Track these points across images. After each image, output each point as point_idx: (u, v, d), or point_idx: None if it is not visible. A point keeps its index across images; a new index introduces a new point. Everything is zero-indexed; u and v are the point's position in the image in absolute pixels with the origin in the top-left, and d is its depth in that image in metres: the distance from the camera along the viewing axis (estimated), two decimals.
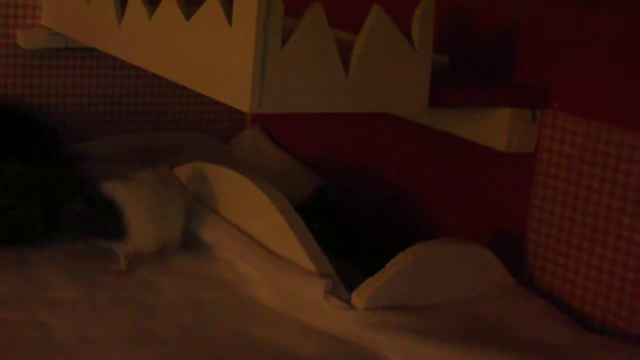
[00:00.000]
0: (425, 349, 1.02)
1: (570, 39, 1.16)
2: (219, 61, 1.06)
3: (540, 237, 1.20)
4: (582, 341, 1.07)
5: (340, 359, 1.03)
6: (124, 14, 1.28)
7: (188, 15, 1.12)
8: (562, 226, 1.17)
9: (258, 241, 1.23)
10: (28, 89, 1.63)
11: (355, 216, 1.48)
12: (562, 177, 1.17)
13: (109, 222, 1.19)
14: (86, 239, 1.24)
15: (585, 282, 1.14)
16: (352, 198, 1.51)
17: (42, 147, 1.49)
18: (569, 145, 1.16)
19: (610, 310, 1.12)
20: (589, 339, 1.08)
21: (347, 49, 1.06)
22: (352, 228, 1.45)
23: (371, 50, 1.06)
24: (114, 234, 1.20)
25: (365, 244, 1.40)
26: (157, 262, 1.22)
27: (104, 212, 1.19)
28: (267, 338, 1.06)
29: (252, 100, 1.01)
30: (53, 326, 1.04)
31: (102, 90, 1.69)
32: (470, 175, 1.31)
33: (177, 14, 1.13)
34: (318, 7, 1.02)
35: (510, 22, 1.23)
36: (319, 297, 1.10)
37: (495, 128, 1.19)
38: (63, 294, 1.13)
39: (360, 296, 1.09)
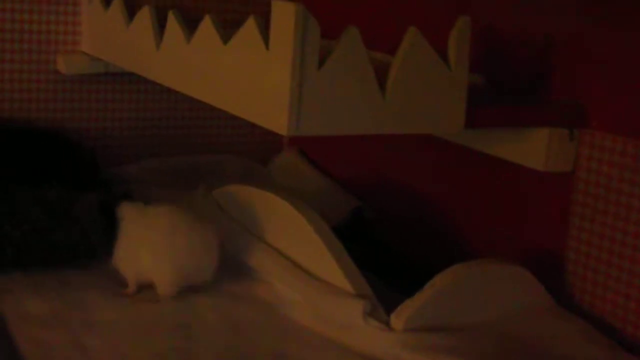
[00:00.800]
0: None
1: (607, 57, 1.16)
2: (256, 84, 1.06)
3: (579, 257, 1.19)
4: None
5: None
6: (162, 39, 1.30)
7: (225, 39, 1.13)
8: (602, 245, 1.16)
9: (296, 263, 1.23)
10: (69, 113, 1.65)
11: (392, 236, 1.48)
12: (602, 196, 1.16)
13: (101, 236, 1.21)
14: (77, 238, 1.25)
15: (626, 302, 1.13)
16: (388, 218, 1.50)
17: (82, 171, 1.51)
18: (608, 163, 1.15)
19: None
20: None
21: (383, 71, 1.07)
22: (389, 248, 1.45)
23: (407, 71, 1.06)
24: (101, 250, 1.21)
25: (403, 265, 1.40)
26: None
27: (102, 226, 1.21)
28: None
29: (290, 123, 1.01)
30: (92, 347, 1.05)
31: (142, 114, 1.71)
32: (508, 194, 1.31)
33: (215, 38, 1.15)
34: (354, 29, 1.03)
35: (545, 40, 1.23)
36: (357, 318, 1.10)
37: (532, 147, 1.19)
38: (103, 315, 1.13)
39: (398, 317, 1.09)
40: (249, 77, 1.08)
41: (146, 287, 1.19)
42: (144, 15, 1.34)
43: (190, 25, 1.24)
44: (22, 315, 1.11)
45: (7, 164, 1.49)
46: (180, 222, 1.18)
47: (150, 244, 1.18)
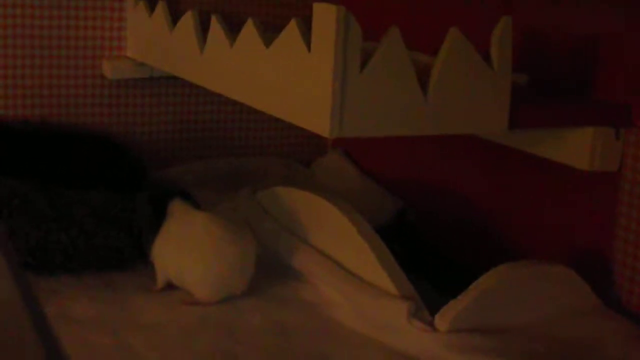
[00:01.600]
0: None
1: None
2: (298, 87, 1.07)
3: (627, 258, 1.18)
4: None
5: None
6: (205, 43, 1.31)
7: (268, 42, 1.14)
8: None
9: (340, 264, 1.23)
10: (115, 117, 1.67)
11: (437, 237, 1.48)
12: None
13: (145, 228, 1.22)
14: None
15: None
16: (433, 219, 1.50)
17: (129, 175, 1.52)
18: None
19: None
20: None
21: (425, 72, 1.06)
22: (433, 249, 1.44)
23: (449, 72, 1.06)
24: (144, 242, 1.22)
25: (447, 265, 1.39)
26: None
27: (149, 217, 1.22)
28: None
29: (332, 125, 1.02)
30: (138, 349, 1.06)
31: (186, 117, 1.73)
32: (553, 194, 1.30)
33: (257, 42, 1.15)
34: (395, 30, 1.02)
35: (590, 39, 1.22)
36: (401, 319, 1.10)
37: (577, 147, 1.18)
38: (149, 317, 1.15)
39: (443, 319, 1.08)
40: (292, 79, 1.08)
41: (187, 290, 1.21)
42: (188, 20, 1.36)
43: (233, 29, 1.24)
44: (69, 316, 1.13)
45: (55, 168, 1.51)
46: (219, 233, 1.18)
47: (186, 249, 1.18)
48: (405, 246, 1.36)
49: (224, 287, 1.18)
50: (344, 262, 1.23)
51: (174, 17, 1.44)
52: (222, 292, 1.19)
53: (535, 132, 1.22)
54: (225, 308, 1.18)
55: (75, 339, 1.07)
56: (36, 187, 1.28)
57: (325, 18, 1.00)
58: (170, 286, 1.22)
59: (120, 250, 1.27)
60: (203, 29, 1.32)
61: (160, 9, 1.47)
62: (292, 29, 1.07)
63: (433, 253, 1.43)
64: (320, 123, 1.03)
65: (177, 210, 1.21)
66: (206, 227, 1.18)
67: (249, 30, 1.17)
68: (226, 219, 1.20)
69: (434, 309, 1.10)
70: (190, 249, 1.18)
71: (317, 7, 1.01)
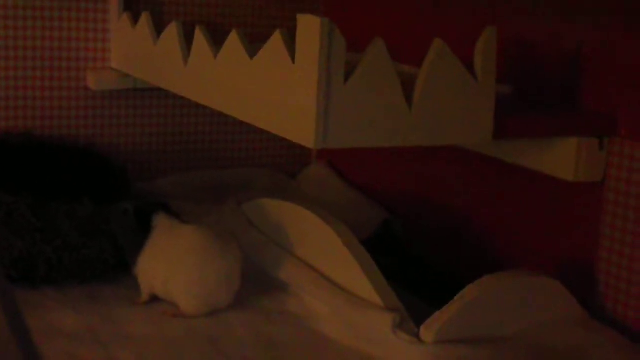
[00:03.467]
0: None
1: (636, 65, 1.15)
2: (283, 98, 1.07)
3: (611, 267, 1.18)
4: None
5: None
6: (189, 54, 1.30)
7: (252, 53, 1.13)
8: (634, 256, 1.15)
9: (325, 276, 1.23)
10: (99, 129, 1.67)
11: (422, 248, 1.48)
12: (632, 206, 1.15)
13: (131, 240, 1.21)
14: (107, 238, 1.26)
15: None
16: (418, 230, 1.50)
17: (113, 186, 1.52)
18: (638, 172, 1.14)
19: None
20: None
21: (409, 83, 1.06)
22: (419, 261, 1.44)
23: (434, 83, 1.06)
24: (129, 255, 1.22)
25: (433, 277, 1.39)
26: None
27: (134, 230, 1.21)
28: None
29: (317, 136, 1.01)
30: None
31: (170, 129, 1.72)
32: (538, 205, 1.30)
33: (242, 53, 1.15)
34: (380, 42, 1.03)
35: (574, 49, 1.22)
36: (387, 331, 1.09)
37: (562, 158, 1.18)
38: (135, 329, 1.14)
39: (428, 330, 1.08)
40: (276, 91, 1.08)
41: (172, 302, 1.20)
42: (172, 31, 1.35)
43: (217, 40, 1.24)
44: (53, 329, 1.12)
45: (39, 179, 1.50)
46: (206, 246, 1.17)
47: (172, 262, 1.18)
48: (391, 257, 1.36)
49: (211, 301, 1.18)
50: (329, 274, 1.23)
51: (158, 28, 1.43)
52: (209, 306, 1.18)
53: (520, 143, 1.22)
54: (211, 320, 1.17)
55: (60, 352, 1.06)
56: (20, 198, 1.27)
57: (309, 29, 1.00)
58: (154, 299, 1.21)
59: (105, 261, 1.26)
60: (187, 40, 1.32)
61: (144, 20, 1.47)
62: (276, 40, 1.07)
63: (419, 264, 1.43)
64: (304, 134, 1.03)
65: (163, 223, 1.21)
66: (193, 240, 1.18)
67: (233, 41, 1.17)
68: (213, 232, 1.19)
69: (419, 320, 1.10)
70: (177, 262, 1.17)
71: (301, 19, 1.01)
